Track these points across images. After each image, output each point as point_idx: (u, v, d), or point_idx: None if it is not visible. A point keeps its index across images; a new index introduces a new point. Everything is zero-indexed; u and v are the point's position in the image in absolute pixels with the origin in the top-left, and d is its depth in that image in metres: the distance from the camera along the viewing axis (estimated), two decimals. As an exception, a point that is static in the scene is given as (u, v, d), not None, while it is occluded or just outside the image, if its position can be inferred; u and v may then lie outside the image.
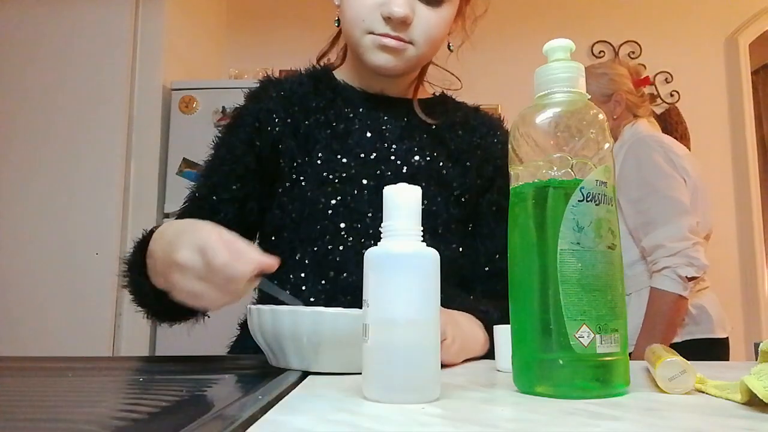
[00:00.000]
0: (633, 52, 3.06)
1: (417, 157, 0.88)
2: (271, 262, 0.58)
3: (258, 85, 0.94)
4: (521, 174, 0.49)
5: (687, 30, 3.06)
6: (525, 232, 0.48)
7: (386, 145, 0.87)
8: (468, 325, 0.74)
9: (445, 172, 0.89)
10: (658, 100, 2.91)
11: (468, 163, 0.91)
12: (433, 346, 0.44)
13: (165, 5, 2.41)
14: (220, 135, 0.91)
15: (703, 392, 0.46)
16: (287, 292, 0.67)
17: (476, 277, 0.89)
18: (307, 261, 0.83)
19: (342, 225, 0.83)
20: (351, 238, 0.83)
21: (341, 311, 0.57)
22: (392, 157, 0.87)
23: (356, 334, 0.46)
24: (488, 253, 0.89)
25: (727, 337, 1.67)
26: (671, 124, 2.38)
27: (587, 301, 0.44)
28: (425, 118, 0.90)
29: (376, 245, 0.45)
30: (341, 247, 0.82)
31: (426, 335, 0.43)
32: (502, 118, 0.99)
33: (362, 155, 0.86)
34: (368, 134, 0.87)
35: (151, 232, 0.79)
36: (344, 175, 0.84)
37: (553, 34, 0.54)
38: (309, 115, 0.88)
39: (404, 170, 0.86)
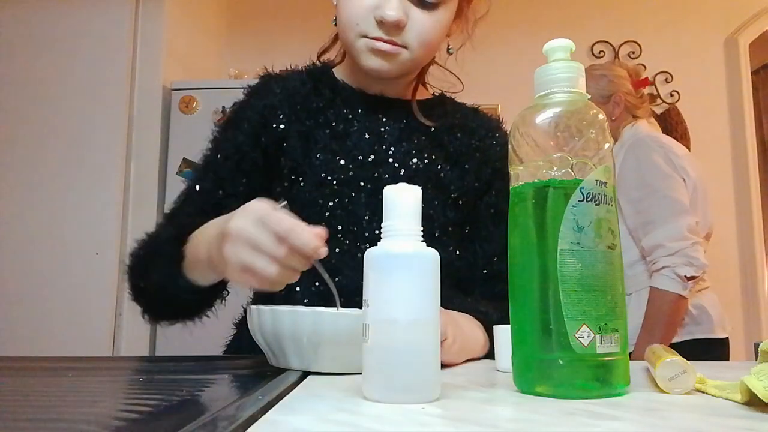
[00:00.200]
0: (633, 52, 3.06)
1: (415, 160, 0.87)
2: (324, 234, 0.57)
3: (258, 80, 0.93)
4: (521, 174, 0.49)
5: (687, 30, 3.06)
6: (525, 232, 0.48)
7: (384, 147, 0.87)
8: (468, 326, 0.74)
9: (443, 175, 0.88)
10: (658, 100, 2.91)
11: (466, 166, 0.91)
12: (433, 346, 0.44)
13: (165, 5, 2.41)
14: (219, 130, 0.90)
15: (703, 392, 0.46)
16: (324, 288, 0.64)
17: (474, 279, 0.89)
18: None
19: (339, 227, 0.83)
20: (347, 241, 0.82)
21: (341, 311, 0.57)
22: (390, 160, 0.86)
23: (356, 334, 0.46)
24: (486, 255, 0.89)
25: (727, 337, 1.67)
26: (671, 124, 2.38)
27: (587, 301, 0.44)
28: (424, 121, 0.89)
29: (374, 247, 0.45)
30: (337, 250, 0.82)
31: (426, 335, 0.43)
32: (501, 120, 0.98)
33: (360, 157, 0.85)
34: (366, 136, 0.87)
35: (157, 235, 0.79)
36: (342, 177, 0.84)
37: (553, 34, 0.54)
38: (310, 115, 0.88)
39: (402, 173, 0.86)
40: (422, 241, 0.45)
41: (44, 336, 2.16)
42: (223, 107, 2.37)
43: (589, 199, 0.46)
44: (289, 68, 0.95)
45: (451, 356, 0.65)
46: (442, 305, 0.45)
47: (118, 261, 2.13)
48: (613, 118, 1.76)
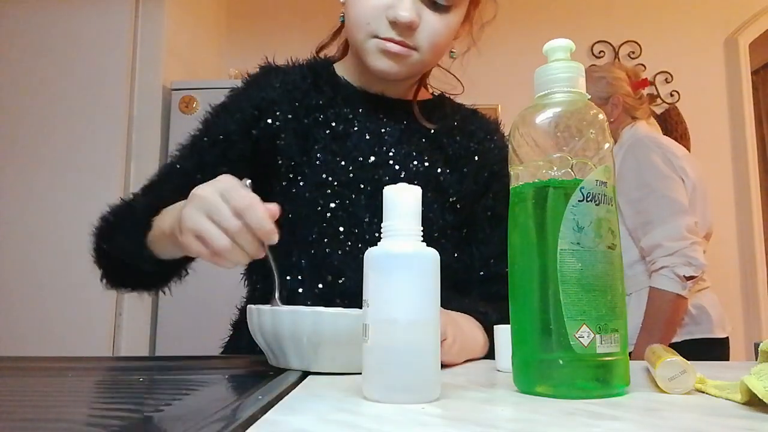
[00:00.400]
0: (633, 52, 3.06)
1: (415, 162, 0.87)
2: (277, 211, 0.58)
3: (258, 70, 0.92)
4: (521, 174, 0.49)
5: (687, 30, 3.06)
6: (525, 232, 0.48)
7: (384, 149, 0.86)
8: (468, 326, 0.74)
9: (442, 178, 0.88)
10: (658, 100, 2.91)
11: (465, 170, 0.90)
12: (433, 346, 0.44)
13: (165, 5, 2.40)
14: (212, 113, 0.89)
15: (703, 392, 0.46)
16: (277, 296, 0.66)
17: (471, 281, 0.89)
18: (303, 264, 0.82)
19: (341, 229, 0.82)
20: (349, 243, 0.82)
21: (341, 311, 0.57)
22: (390, 162, 0.86)
23: (356, 334, 0.46)
24: (483, 258, 0.89)
25: (727, 337, 1.67)
26: (671, 124, 2.38)
27: (587, 301, 0.44)
28: (424, 123, 0.89)
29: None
30: (339, 252, 0.81)
31: (426, 335, 0.43)
32: (500, 122, 0.98)
33: (360, 159, 0.85)
34: (367, 137, 0.86)
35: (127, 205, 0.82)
36: (342, 178, 0.83)
37: (553, 34, 0.54)
38: (309, 112, 0.87)
39: (402, 175, 0.85)
40: (422, 241, 0.45)
41: (44, 336, 2.16)
42: (224, 107, 2.37)
43: (589, 199, 0.46)
44: (289, 61, 0.93)
45: (451, 356, 0.65)
46: (441, 306, 0.46)
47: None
48: (612, 120, 1.76)
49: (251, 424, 0.34)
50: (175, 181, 0.85)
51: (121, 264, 0.81)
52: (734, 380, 0.45)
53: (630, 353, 0.49)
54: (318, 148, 0.85)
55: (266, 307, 0.59)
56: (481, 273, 0.89)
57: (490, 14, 0.90)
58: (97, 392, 0.54)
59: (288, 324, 0.56)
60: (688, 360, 0.47)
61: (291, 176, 0.85)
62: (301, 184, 0.85)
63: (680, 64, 3.02)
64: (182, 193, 0.82)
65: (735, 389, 0.43)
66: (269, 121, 0.86)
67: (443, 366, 0.48)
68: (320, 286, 0.81)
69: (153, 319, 2.22)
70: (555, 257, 0.45)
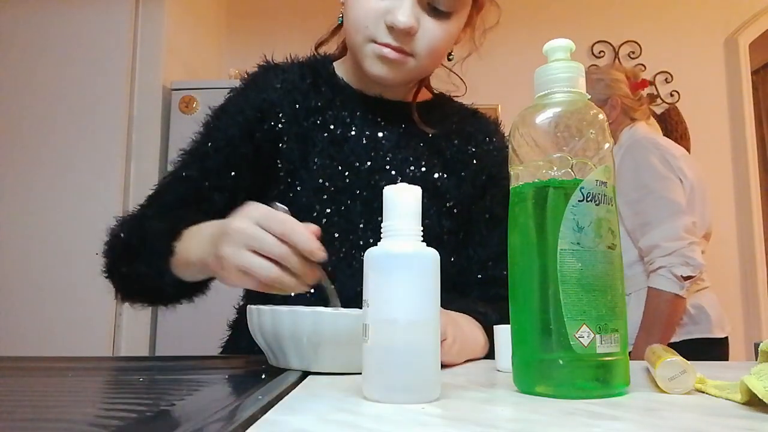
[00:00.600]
0: (633, 52, 3.06)
1: (412, 167, 0.86)
2: (318, 230, 0.59)
3: (257, 69, 0.91)
4: (521, 174, 0.49)
5: (687, 30, 3.06)
6: (525, 232, 0.48)
7: (381, 154, 0.85)
8: (468, 327, 0.73)
9: (439, 184, 0.87)
10: (658, 100, 2.91)
11: (463, 174, 0.89)
12: (433, 346, 0.44)
13: (165, 5, 2.40)
14: (212, 117, 0.88)
15: (703, 392, 0.46)
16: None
17: (468, 284, 0.88)
18: None
19: (336, 235, 0.81)
20: (344, 249, 0.81)
21: (341, 311, 0.57)
22: (387, 167, 0.85)
23: (356, 334, 0.46)
24: (480, 260, 0.88)
25: (726, 337, 1.67)
26: (671, 124, 2.38)
27: (587, 301, 0.44)
28: (423, 127, 0.88)
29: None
30: (334, 257, 0.80)
31: (426, 335, 0.43)
32: (499, 122, 0.97)
33: (357, 164, 0.84)
34: (364, 141, 0.85)
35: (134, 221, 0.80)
36: (339, 184, 0.83)
37: (553, 34, 0.54)
38: (309, 114, 0.86)
39: (398, 181, 0.84)
40: (422, 241, 0.45)
41: (44, 336, 2.16)
42: (223, 107, 2.37)
43: (589, 199, 0.46)
44: (288, 58, 0.92)
45: (451, 357, 0.65)
46: (440, 307, 0.45)
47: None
48: (610, 121, 1.76)
49: (251, 424, 0.34)
50: (181, 189, 0.84)
51: (141, 286, 0.80)
52: (734, 380, 0.45)
53: (629, 353, 0.49)
54: (316, 152, 0.84)
55: (266, 307, 0.59)
56: (478, 276, 0.88)
57: (493, 20, 0.88)
58: (97, 392, 0.54)
59: (288, 324, 0.56)
60: (687, 360, 0.47)
61: (289, 180, 0.84)
62: (298, 188, 0.84)
63: (680, 64, 3.02)
64: (189, 202, 0.82)
65: (735, 389, 0.43)
66: (272, 123, 0.85)
67: (443, 366, 0.48)
68: (313, 290, 0.81)
69: (153, 319, 2.22)
70: (555, 257, 0.45)
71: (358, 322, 0.46)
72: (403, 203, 0.45)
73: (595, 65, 2.96)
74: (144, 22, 2.38)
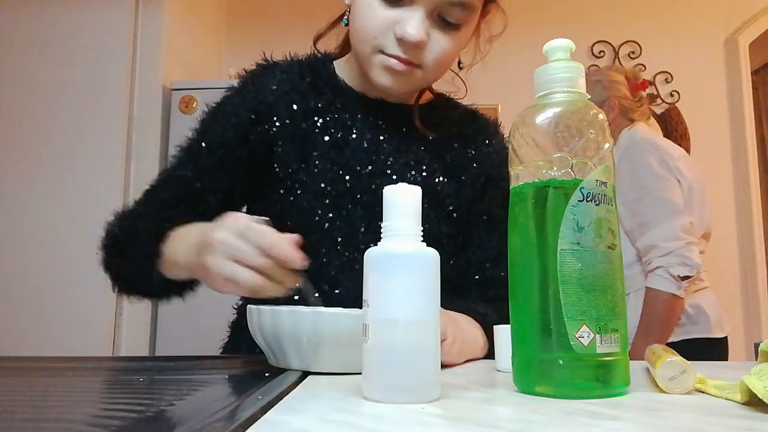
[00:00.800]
0: (633, 52, 3.06)
1: (413, 172, 0.85)
2: (299, 239, 0.59)
3: (255, 68, 0.90)
4: (521, 174, 0.49)
5: (687, 30, 3.06)
6: (525, 232, 0.48)
7: (382, 158, 0.85)
8: (468, 327, 0.73)
9: (440, 188, 0.87)
10: (658, 100, 2.91)
11: (463, 177, 0.89)
12: (433, 346, 0.44)
13: (165, 5, 2.40)
14: (208, 116, 0.87)
15: (703, 392, 0.46)
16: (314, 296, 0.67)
17: (466, 285, 0.88)
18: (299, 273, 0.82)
19: (339, 239, 0.81)
20: (347, 253, 0.81)
21: (341, 311, 0.57)
22: (388, 171, 0.84)
23: (356, 334, 0.46)
24: (478, 262, 0.88)
25: (725, 337, 1.67)
26: (671, 124, 2.38)
27: (587, 301, 0.44)
28: (423, 131, 0.87)
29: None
30: (336, 261, 0.81)
31: (426, 335, 0.43)
32: (499, 123, 0.97)
33: (358, 168, 0.83)
34: (365, 145, 0.85)
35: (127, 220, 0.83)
36: (340, 188, 0.82)
37: (553, 34, 0.54)
38: (308, 115, 0.85)
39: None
40: (422, 241, 0.45)
41: (44, 336, 2.16)
42: (223, 107, 2.37)
43: (589, 199, 0.46)
44: (288, 56, 0.91)
45: (451, 357, 0.65)
46: (440, 307, 0.45)
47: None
48: (609, 123, 1.76)
49: (251, 424, 0.34)
50: (174, 188, 0.85)
51: (133, 282, 0.83)
52: (734, 380, 0.45)
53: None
54: (316, 156, 0.83)
55: (266, 308, 0.59)
56: (477, 277, 0.88)
57: (498, 27, 0.87)
58: (97, 392, 0.54)
59: (288, 324, 0.56)
60: (686, 360, 0.47)
61: (288, 184, 0.83)
62: (298, 192, 0.83)
63: (680, 64, 3.02)
64: (182, 201, 0.83)
65: (735, 389, 0.43)
66: (266, 126, 0.84)
67: (443, 366, 0.48)
68: (316, 295, 0.81)
69: (153, 319, 2.22)
70: (555, 257, 0.45)
71: (358, 322, 0.46)
72: (403, 203, 0.45)
73: (595, 65, 2.96)
74: (144, 22, 2.38)
